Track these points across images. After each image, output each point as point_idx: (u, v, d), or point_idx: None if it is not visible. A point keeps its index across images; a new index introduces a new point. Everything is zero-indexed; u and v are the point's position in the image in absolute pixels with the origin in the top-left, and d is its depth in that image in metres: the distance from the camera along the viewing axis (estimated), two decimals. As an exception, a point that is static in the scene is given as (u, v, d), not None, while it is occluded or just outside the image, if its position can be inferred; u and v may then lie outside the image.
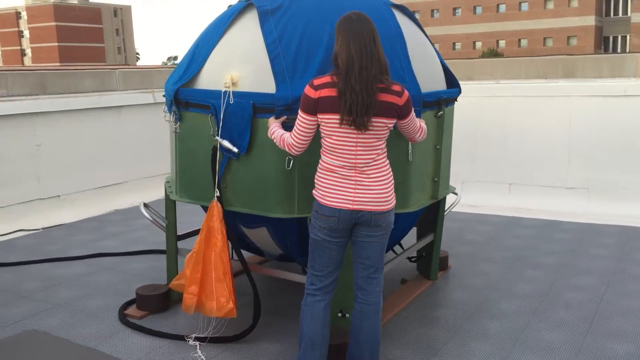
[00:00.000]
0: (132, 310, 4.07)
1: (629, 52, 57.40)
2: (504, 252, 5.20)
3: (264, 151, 3.48)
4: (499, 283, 4.52)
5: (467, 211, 6.25)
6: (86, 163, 6.74)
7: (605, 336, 3.65)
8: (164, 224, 4.32)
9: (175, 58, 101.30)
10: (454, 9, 66.52)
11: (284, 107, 3.33)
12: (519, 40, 62.88)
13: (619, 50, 62.09)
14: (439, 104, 3.86)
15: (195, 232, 4.40)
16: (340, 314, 3.56)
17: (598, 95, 6.18)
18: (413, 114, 2.98)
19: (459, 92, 4.17)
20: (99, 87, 6.73)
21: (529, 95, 6.46)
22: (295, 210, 3.49)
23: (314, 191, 3.00)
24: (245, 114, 3.44)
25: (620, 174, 6.20)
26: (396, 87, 2.85)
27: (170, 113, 3.89)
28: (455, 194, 4.53)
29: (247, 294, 3.91)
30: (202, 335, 3.63)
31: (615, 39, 63.40)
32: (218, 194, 3.51)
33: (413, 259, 4.71)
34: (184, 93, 3.73)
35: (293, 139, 2.97)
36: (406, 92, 2.88)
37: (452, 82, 4.17)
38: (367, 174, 2.86)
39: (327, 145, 2.91)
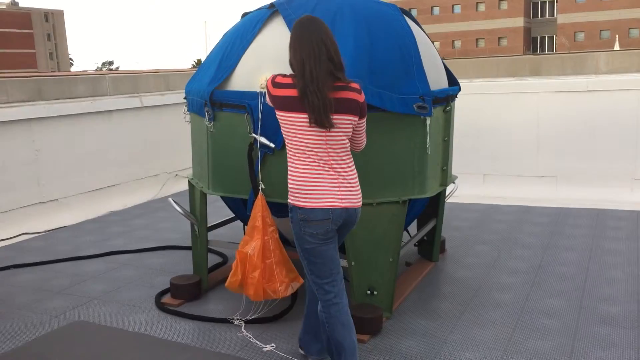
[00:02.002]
0: (168, 299, 4.33)
1: (556, 51, 60.11)
2: (492, 235, 5.70)
3: (299, 146, 3.82)
4: (495, 261, 5.00)
5: (448, 201, 6.72)
6: (81, 167, 6.88)
7: (598, 300, 4.16)
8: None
9: (111, 63, 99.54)
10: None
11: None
12: (453, 41, 64.76)
13: (546, 50, 64.80)
14: (447, 100, 4.30)
15: (212, 227, 4.71)
16: (368, 292, 3.94)
17: (563, 91, 6.78)
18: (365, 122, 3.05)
19: (459, 89, 4.62)
20: (92, 93, 6.88)
21: (500, 93, 7.01)
22: (328, 199, 3.84)
23: (291, 200, 2.97)
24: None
25: (585, 162, 6.82)
26: (355, 85, 2.92)
27: (203, 114, 4.14)
28: (454, 182, 4.98)
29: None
30: (245, 318, 3.93)
31: (543, 39, 66.10)
32: (262, 186, 3.82)
33: (415, 244, 5.14)
34: (218, 95, 4.01)
35: None
36: (362, 92, 2.95)
37: (452, 80, 4.62)
38: (344, 172, 2.93)
39: (294, 147, 2.92)
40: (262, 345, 3.63)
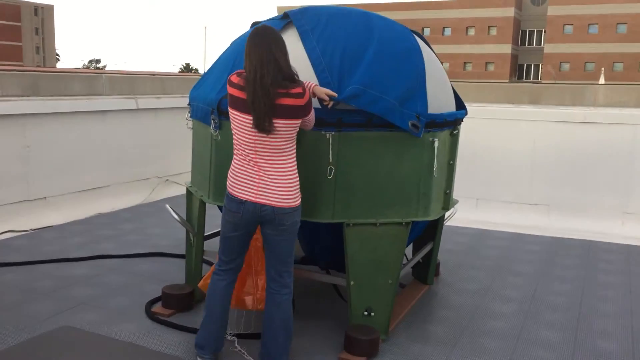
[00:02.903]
0: (159, 309, 4.23)
1: (541, 79, 60.92)
2: (485, 261, 5.68)
3: (305, 159, 3.76)
4: (489, 288, 4.97)
5: (440, 223, 6.72)
6: (71, 166, 6.75)
7: (592, 334, 4.14)
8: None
9: (98, 61, 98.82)
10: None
11: (333, 123, 3.62)
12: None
13: (531, 78, 65.66)
14: (455, 123, 4.28)
15: (207, 237, 4.62)
16: (366, 313, 3.88)
17: (560, 121, 6.82)
18: (312, 110, 3.30)
19: (466, 112, 4.60)
20: (87, 91, 6.76)
21: (498, 118, 7.03)
22: (331, 216, 3.79)
23: (227, 182, 3.33)
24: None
25: (578, 192, 6.85)
26: (297, 90, 3.14)
27: (208, 122, 4.06)
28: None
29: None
30: (238, 332, 3.84)
31: (529, 67, 67.02)
32: None
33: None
34: (225, 103, 3.95)
35: None
36: (306, 93, 3.18)
37: (459, 104, 4.60)
38: (269, 172, 3.17)
39: (235, 141, 3.25)
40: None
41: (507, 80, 60.00)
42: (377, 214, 3.81)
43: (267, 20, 4.36)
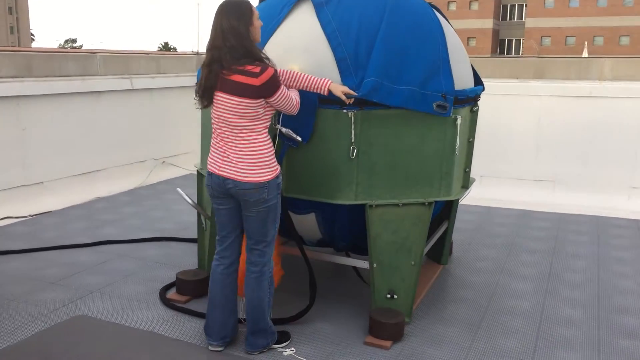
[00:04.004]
0: (174, 295, 4.11)
1: (522, 54, 60.96)
2: (495, 239, 5.62)
3: (325, 140, 3.63)
4: (503, 267, 4.91)
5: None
6: (68, 149, 6.55)
7: (614, 311, 4.09)
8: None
9: (74, 41, 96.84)
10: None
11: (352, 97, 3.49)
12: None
13: (513, 53, 65.67)
14: (475, 100, 4.17)
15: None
16: (388, 295, 3.79)
17: (565, 96, 6.74)
18: (282, 91, 3.16)
19: (483, 88, 4.49)
20: (82, 71, 6.53)
21: (502, 94, 6.92)
22: (354, 197, 3.68)
23: None
24: (310, 104, 3.57)
25: (583, 167, 6.80)
26: (253, 69, 3.05)
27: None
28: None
29: (297, 278, 4.08)
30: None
31: (510, 41, 66.91)
32: None
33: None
34: (239, 82, 3.79)
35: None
36: (266, 74, 3.05)
37: (476, 79, 4.49)
38: (233, 147, 3.14)
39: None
40: (282, 349, 3.44)
41: (488, 55, 59.91)
42: (400, 195, 3.71)
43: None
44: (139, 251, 5.02)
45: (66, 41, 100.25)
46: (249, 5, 3.16)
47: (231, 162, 3.15)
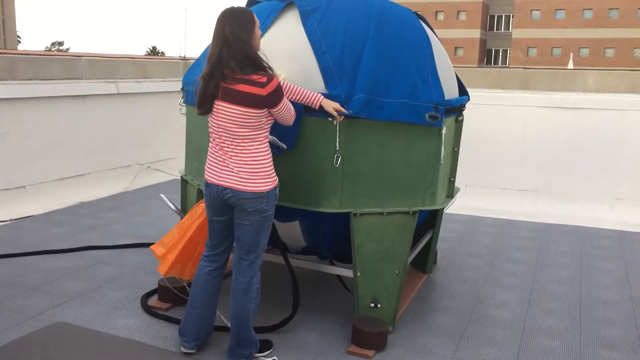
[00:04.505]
0: (155, 302, 4.07)
1: (509, 64, 61.43)
2: (480, 248, 5.63)
3: (310, 148, 3.62)
4: (488, 276, 4.91)
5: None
6: (51, 153, 6.48)
7: (596, 322, 4.11)
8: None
9: (61, 44, 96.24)
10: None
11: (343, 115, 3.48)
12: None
13: (500, 63, 66.18)
14: (460, 110, 4.18)
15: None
16: (372, 304, 3.78)
17: (550, 107, 6.78)
18: (285, 101, 3.16)
19: (469, 98, 4.51)
20: (67, 75, 6.47)
21: (487, 104, 6.95)
22: (338, 205, 3.66)
23: None
24: (296, 112, 3.56)
25: (567, 178, 6.84)
26: (259, 79, 3.03)
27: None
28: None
29: (280, 286, 4.05)
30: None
31: (497, 52, 67.41)
32: None
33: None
34: (224, 88, 3.77)
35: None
36: (272, 83, 3.04)
37: (461, 89, 4.50)
38: (233, 157, 3.11)
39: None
40: (264, 358, 3.42)
41: (476, 65, 60.34)
42: (385, 203, 3.70)
43: (265, 1, 4.19)
44: (122, 257, 4.96)
45: (53, 44, 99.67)
46: (251, 14, 3.14)
47: (232, 171, 3.12)
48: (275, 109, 3.12)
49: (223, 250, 3.39)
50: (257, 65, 3.06)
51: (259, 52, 3.16)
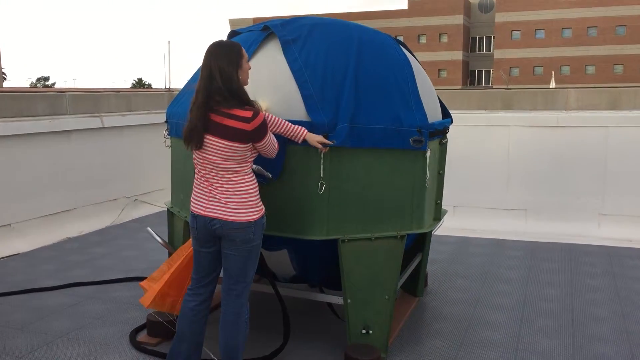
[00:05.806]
0: (144, 337, 4.01)
1: (492, 85, 62.07)
2: (470, 269, 5.62)
3: (295, 176, 3.62)
4: (479, 297, 4.90)
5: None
6: (36, 189, 6.44)
7: (589, 339, 4.10)
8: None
9: (47, 79, 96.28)
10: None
11: (322, 134, 3.50)
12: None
13: (483, 83, 66.89)
14: (444, 132, 4.21)
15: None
16: (364, 331, 3.75)
17: (533, 126, 6.85)
18: (269, 136, 3.19)
19: (452, 120, 4.54)
20: (50, 111, 6.46)
21: (471, 125, 7.01)
22: (325, 232, 3.65)
23: None
24: (279, 140, 3.57)
25: (553, 196, 6.88)
26: (244, 114, 3.04)
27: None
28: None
29: (270, 316, 4.00)
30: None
31: (480, 72, 68.16)
32: None
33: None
34: (208, 119, 3.78)
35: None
36: (258, 119, 3.06)
37: (444, 111, 4.54)
38: (219, 188, 3.12)
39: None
40: (255, 390, 3.37)
41: (459, 86, 60.91)
42: (372, 228, 3.70)
43: (246, 31, 4.23)
44: (110, 292, 4.91)
45: (38, 79, 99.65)
46: (239, 48, 3.15)
47: (219, 202, 3.12)
48: (260, 144, 3.14)
49: (209, 282, 3.35)
50: (243, 100, 3.08)
51: (245, 87, 3.18)
